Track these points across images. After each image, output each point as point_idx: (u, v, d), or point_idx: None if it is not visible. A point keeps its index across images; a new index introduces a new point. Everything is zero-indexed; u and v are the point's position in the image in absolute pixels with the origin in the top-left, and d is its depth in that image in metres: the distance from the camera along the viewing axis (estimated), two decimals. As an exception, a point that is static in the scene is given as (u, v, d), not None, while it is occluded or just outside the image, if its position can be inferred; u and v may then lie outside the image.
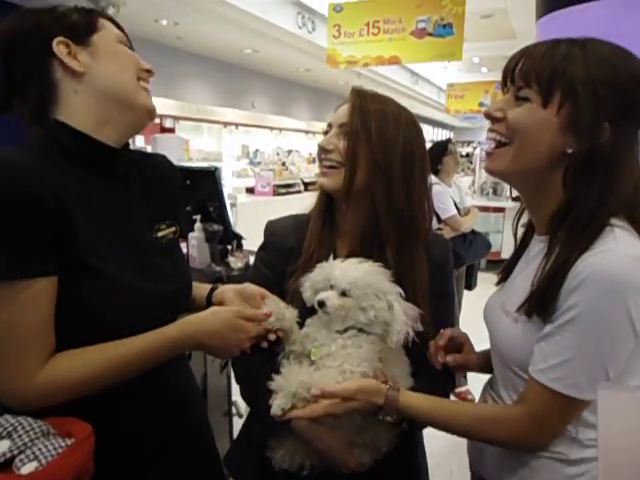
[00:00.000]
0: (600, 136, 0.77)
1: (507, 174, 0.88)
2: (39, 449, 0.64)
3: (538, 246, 0.88)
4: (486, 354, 1.02)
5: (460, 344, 1.02)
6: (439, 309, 1.00)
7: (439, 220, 3.26)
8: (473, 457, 1.02)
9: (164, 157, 1.07)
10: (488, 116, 0.86)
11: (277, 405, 0.81)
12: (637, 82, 0.79)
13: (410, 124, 0.98)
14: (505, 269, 0.98)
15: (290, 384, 0.82)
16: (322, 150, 0.99)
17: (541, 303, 0.79)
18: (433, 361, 0.97)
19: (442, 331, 0.99)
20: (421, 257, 0.99)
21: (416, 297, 0.95)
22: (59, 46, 0.83)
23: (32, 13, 0.87)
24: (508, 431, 0.82)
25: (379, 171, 0.95)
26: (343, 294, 0.89)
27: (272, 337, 0.92)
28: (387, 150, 0.94)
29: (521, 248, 0.96)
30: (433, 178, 3.38)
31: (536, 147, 0.80)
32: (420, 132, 1.01)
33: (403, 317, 0.87)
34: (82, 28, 0.87)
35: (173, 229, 1.00)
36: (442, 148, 3.49)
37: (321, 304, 0.89)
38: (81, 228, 0.79)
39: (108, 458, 0.84)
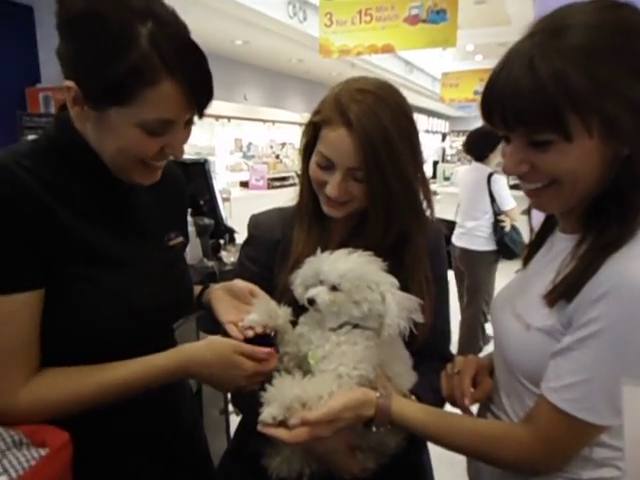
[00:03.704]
0: None
1: (567, 209, 0.78)
2: (9, 461, 0.59)
3: (563, 244, 0.78)
4: (489, 361, 0.94)
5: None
6: (437, 295, 0.96)
7: (496, 212, 3.25)
8: (471, 473, 0.95)
9: (170, 163, 1.00)
10: (511, 174, 0.75)
11: (269, 412, 0.75)
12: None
13: (408, 123, 0.89)
14: (525, 263, 0.90)
15: (284, 396, 0.76)
16: (334, 200, 0.90)
17: (571, 289, 0.69)
18: (454, 399, 0.88)
19: (461, 364, 0.90)
20: (422, 244, 0.95)
21: (422, 290, 0.91)
22: (67, 89, 0.72)
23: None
24: (512, 453, 0.73)
25: (393, 190, 0.88)
26: (334, 288, 0.83)
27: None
28: (401, 174, 0.87)
29: (539, 240, 0.88)
30: (484, 167, 3.34)
31: (588, 177, 0.69)
32: (414, 124, 0.93)
33: (395, 309, 0.82)
34: (105, 93, 0.71)
35: (181, 239, 0.96)
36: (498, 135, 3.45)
37: (311, 301, 0.83)
38: (73, 236, 0.74)
39: (95, 465, 0.81)
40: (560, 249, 0.78)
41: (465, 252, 3.43)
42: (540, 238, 0.88)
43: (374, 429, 0.79)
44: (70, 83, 0.72)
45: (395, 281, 0.86)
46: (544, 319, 0.73)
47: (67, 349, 0.76)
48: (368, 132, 0.83)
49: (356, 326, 0.85)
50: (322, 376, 0.81)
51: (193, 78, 0.74)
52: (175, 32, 0.73)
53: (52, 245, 0.72)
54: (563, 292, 0.71)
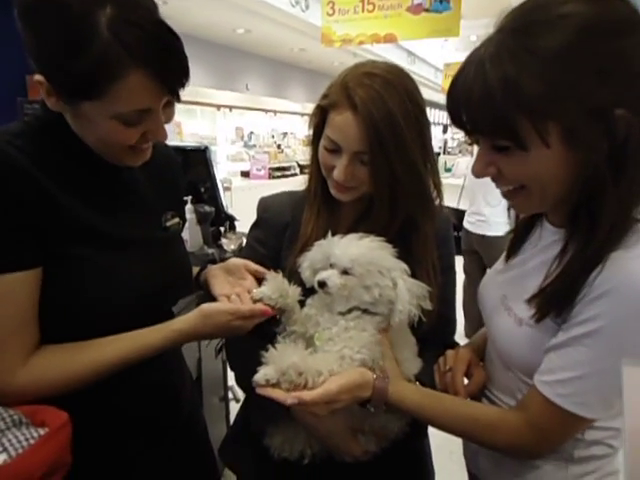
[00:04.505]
0: (616, 128, 0.61)
1: (544, 210, 0.78)
2: (9, 440, 0.59)
3: (552, 237, 0.78)
4: (479, 345, 0.95)
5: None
6: (445, 283, 0.96)
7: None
8: (467, 455, 0.96)
9: (165, 145, 0.99)
10: (479, 176, 0.73)
11: (263, 373, 0.75)
12: (611, 30, 0.60)
13: (415, 109, 0.87)
14: (510, 251, 0.90)
15: (282, 360, 0.77)
16: (342, 183, 0.90)
17: (558, 306, 0.69)
18: (446, 387, 0.89)
19: (453, 360, 0.90)
20: (431, 233, 0.95)
21: (429, 277, 0.91)
22: (39, 83, 0.70)
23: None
24: (504, 439, 0.75)
25: (397, 175, 0.87)
26: (345, 272, 0.83)
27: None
28: (406, 159, 0.87)
29: (525, 228, 0.87)
30: None
31: (555, 182, 0.67)
32: (424, 110, 0.91)
33: (406, 295, 0.82)
34: (72, 89, 0.68)
35: (177, 220, 0.95)
36: None
37: (322, 284, 0.83)
38: (68, 215, 0.74)
39: (95, 448, 0.82)
40: (548, 242, 0.78)
41: (485, 238, 3.52)
42: (529, 225, 0.87)
43: (371, 409, 0.80)
44: (40, 77, 0.69)
45: (406, 267, 0.86)
46: None
47: (66, 328, 0.76)
48: (373, 116, 0.82)
49: (365, 311, 0.85)
50: (325, 354, 0.81)
51: (162, 64, 0.69)
52: (138, 15, 0.67)
53: (47, 224, 0.72)
54: (549, 310, 0.70)
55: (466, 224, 3.65)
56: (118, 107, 0.69)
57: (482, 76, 0.63)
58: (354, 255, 0.82)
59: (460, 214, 3.72)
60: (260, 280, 0.90)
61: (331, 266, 0.85)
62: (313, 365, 0.77)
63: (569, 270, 0.68)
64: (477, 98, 0.63)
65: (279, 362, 0.76)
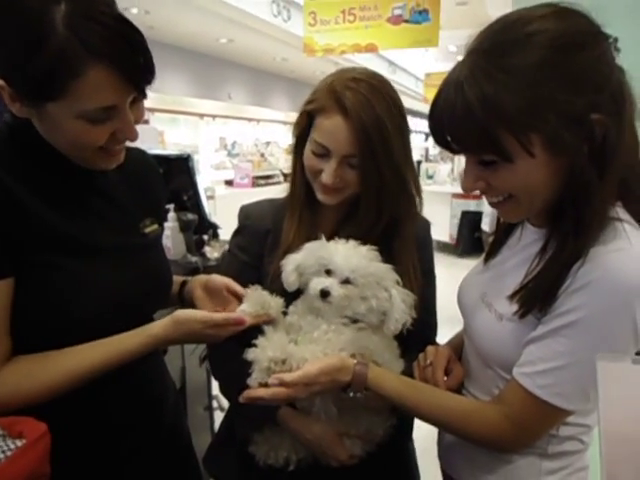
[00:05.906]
0: (594, 132, 0.64)
1: (531, 215, 0.79)
2: (-16, 452, 0.58)
3: (532, 237, 0.80)
4: (457, 345, 0.96)
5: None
6: (425, 286, 0.97)
7: None
8: (441, 454, 0.96)
9: (142, 151, 0.99)
10: (469, 192, 0.76)
11: (253, 379, 0.77)
12: (577, 44, 0.63)
13: (399, 114, 0.90)
14: (490, 253, 0.91)
15: (262, 359, 0.78)
16: (330, 186, 0.90)
17: (542, 300, 0.70)
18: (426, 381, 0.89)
19: (433, 355, 0.90)
20: (411, 235, 0.96)
21: (410, 280, 0.92)
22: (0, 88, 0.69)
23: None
24: (482, 430, 0.76)
25: (385, 178, 0.89)
26: (344, 282, 0.83)
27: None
28: (393, 163, 0.89)
29: (505, 230, 0.89)
30: None
31: (542, 189, 0.69)
32: (405, 116, 0.93)
33: (402, 305, 0.83)
34: (33, 91, 0.66)
35: (156, 226, 0.94)
36: None
37: (325, 294, 0.82)
38: (40, 223, 0.73)
39: (76, 459, 0.80)
40: (529, 241, 0.80)
41: None
42: (509, 228, 0.89)
43: (351, 394, 0.80)
44: (1, 82, 0.67)
45: (398, 277, 0.87)
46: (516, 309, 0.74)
47: (39, 338, 0.75)
48: (363, 121, 0.84)
49: (355, 321, 0.85)
50: (309, 347, 0.82)
51: (123, 58, 0.67)
52: (94, 10, 0.65)
53: (17, 232, 0.70)
54: (534, 305, 0.71)
55: (485, 226, 3.87)
56: (82, 105, 0.67)
57: (462, 95, 0.65)
58: (354, 265, 0.82)
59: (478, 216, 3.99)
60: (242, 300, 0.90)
61: (327, 272, 0.84)
62: (297, 352, 0.78)
63: (551, 265, 0.70)
64: (459, 116, 0.66)
65: (261, 361, 0.77)
